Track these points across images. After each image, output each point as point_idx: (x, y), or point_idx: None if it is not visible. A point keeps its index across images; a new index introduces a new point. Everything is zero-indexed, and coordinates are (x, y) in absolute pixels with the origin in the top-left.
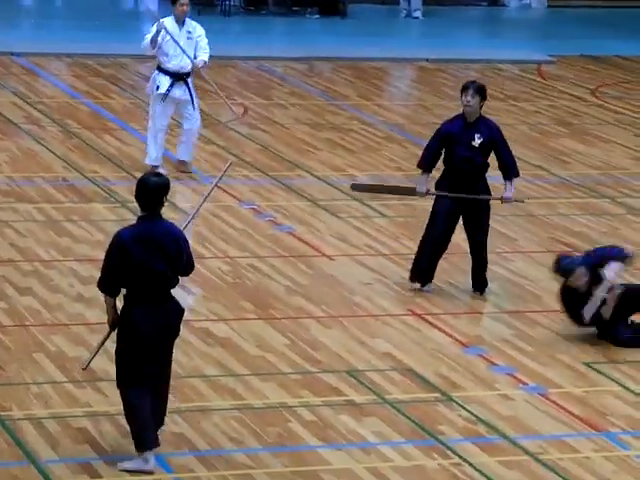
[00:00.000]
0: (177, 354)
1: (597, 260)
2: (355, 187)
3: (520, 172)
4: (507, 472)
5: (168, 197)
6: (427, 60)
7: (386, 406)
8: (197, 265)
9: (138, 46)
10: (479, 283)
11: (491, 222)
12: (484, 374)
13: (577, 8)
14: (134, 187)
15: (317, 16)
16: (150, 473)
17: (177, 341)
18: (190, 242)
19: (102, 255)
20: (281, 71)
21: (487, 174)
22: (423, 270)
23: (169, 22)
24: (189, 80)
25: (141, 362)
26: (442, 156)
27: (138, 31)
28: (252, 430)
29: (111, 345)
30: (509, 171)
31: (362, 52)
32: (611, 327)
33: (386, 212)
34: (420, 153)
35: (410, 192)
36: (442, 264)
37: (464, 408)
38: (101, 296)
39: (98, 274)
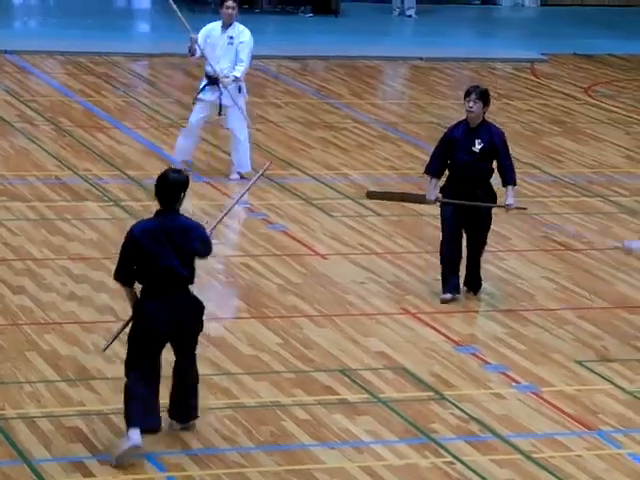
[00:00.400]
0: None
1: None
2: (370, 195)
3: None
4: (499, 470)
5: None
6: (422, 59)
7: (379, 405)
8: None
9: (131, 44)
10: (473, 284)
11: None
12: (477, 373)
13: (570, 7)
14: (127, 185)
15: (310, 15)
16: (136, 447)
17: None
18: None
19: (95, 254)
20: (274, 70)
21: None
22: (447, 278)
23: (215, 25)
24: (221, 85)
25: (142, 350)
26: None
27: (131, 29)
28: (245, 429)
29: (103, 344)
30: (505, 179)
31: (356, 51)
32: None
33: (380, 211)
34: (413, 152)
35: (420, 200)
36: (435, 263)
37: (457, 407)
38: (95, 295)
39: (91, 272)
